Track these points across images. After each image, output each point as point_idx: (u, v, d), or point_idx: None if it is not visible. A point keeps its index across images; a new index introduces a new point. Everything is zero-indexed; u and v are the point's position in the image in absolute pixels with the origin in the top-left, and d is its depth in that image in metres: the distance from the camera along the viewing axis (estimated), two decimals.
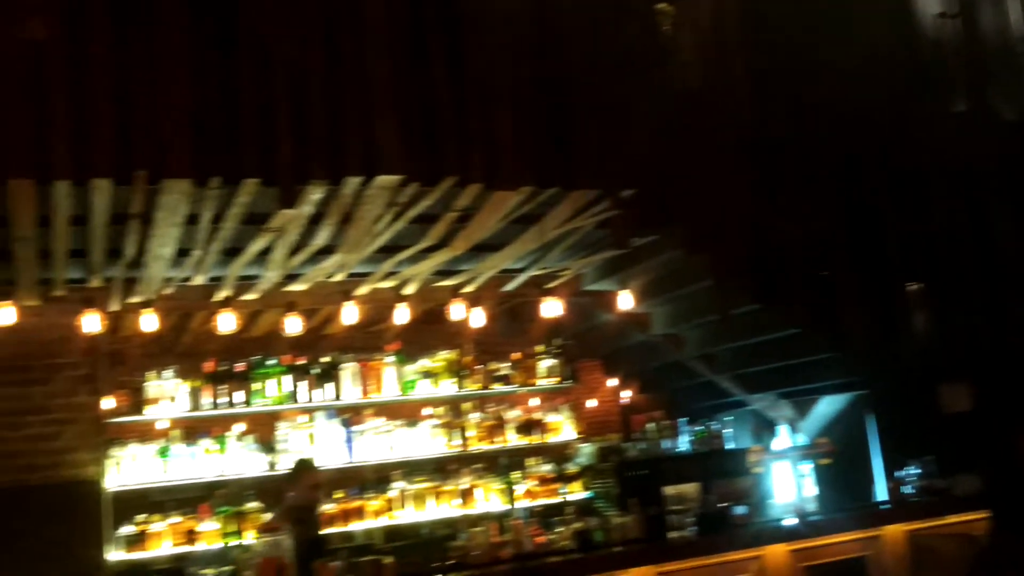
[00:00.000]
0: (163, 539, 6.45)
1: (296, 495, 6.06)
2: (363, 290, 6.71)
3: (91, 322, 6.00)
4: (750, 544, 5.37)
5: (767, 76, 6.17)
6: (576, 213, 5.66)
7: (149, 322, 6.09)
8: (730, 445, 7.41)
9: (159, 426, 6.81)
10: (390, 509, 6.99)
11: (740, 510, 5.78)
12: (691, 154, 5.72)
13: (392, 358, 7.35)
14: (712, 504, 6.01)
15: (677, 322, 7.44)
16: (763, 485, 6.30)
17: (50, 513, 6.35)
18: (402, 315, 6.79)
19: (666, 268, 6.60)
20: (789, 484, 6.25)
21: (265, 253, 5.71)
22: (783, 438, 6.58)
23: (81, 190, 4.43)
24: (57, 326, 6.50)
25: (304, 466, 6.28)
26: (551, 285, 7.14)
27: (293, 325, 6.55)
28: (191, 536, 6.49)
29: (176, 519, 6.51)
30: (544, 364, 7.90)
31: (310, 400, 7.03)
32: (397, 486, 7.09)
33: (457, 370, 7.54)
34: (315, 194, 4.79)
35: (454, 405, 7.60)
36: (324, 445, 6.98)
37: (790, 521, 5.80)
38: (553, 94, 5.24)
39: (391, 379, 7.31)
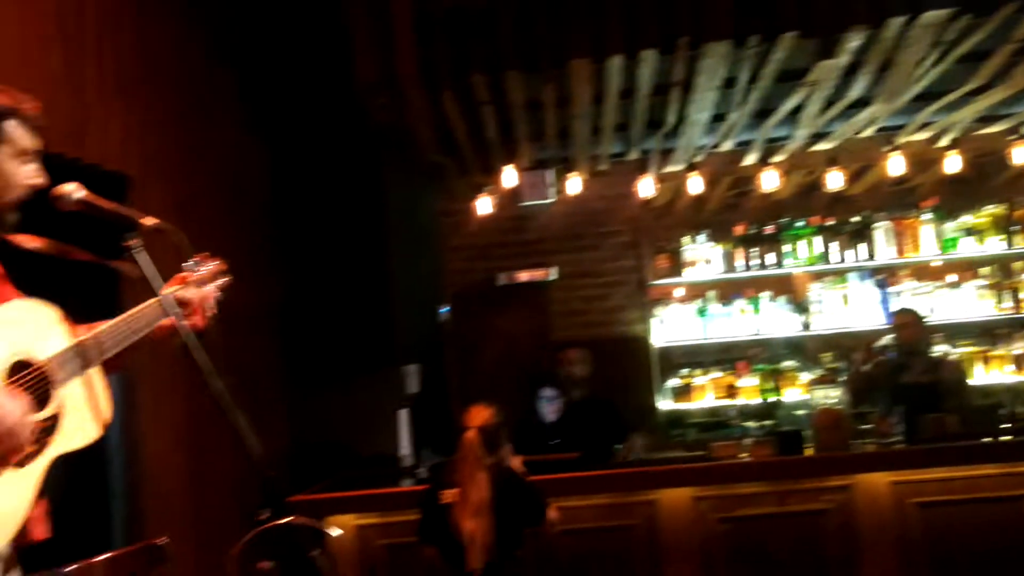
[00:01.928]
0: (706, 392, 6.94)
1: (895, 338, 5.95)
2: (897, 143, 6.34)
3: (645, 186, 6.49)
4: None
5: None
6: None
7: (694, 184, 6.39)
8: None
9: (686, 291, 7.19)
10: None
11: None
12: None
13: (929, 215, 6.90)
14: None
15: None
16: None
17: (606, 365, 7.11)
18: (947, 167, 6.30)
19: None
20: None
21: (795, 112, 5.66)
22: None
23: (629, 63, 4.76)
24: (603, 197, 7.15)
25: (899, 311, 6.15)
26: None
27: (834, 180, 6.41)
28: (731, 391, 6.88)
29: (717, 374, 6.94)
30: None
31: (842, 261, 6.91)
32: (939, 350, 6.72)
33: (1006, 226, 6.84)
34: (853, 42, 4.59)
35: (1003, 264, 6.93)
36: (858, 306, 6.85)
37: None
38: None
39: (929, 237, 6.88)
